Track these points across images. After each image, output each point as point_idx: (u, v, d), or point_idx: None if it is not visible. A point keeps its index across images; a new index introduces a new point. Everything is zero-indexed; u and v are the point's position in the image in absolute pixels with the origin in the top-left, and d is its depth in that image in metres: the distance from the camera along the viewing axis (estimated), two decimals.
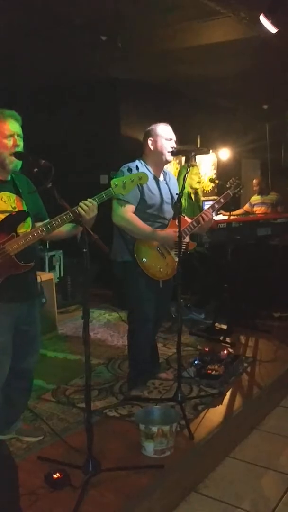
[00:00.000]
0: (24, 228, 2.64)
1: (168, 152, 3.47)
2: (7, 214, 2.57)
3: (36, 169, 2.43)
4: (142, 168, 3.48)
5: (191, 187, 5.39)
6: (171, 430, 2.81)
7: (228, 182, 3.76)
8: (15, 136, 2.59)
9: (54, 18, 4.30)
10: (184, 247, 3.36)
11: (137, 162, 3.50)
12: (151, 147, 3.50)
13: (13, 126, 2.59)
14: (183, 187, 3.32)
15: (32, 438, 2.98)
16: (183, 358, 3.39)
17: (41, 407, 3.41)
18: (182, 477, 2.79)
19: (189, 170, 3.38)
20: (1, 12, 4.07)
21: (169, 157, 3.51)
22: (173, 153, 3.49)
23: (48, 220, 2.70)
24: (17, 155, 2.57)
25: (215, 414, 3.33)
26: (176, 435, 2.89)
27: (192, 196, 5.42)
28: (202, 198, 5.85)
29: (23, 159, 2.56)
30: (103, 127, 6.63)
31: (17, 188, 2.70)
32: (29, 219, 2.69)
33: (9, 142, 2.57)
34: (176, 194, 3.36)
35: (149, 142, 3.50)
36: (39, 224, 2.70)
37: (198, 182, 5.50)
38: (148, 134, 3.52)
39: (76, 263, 6.23)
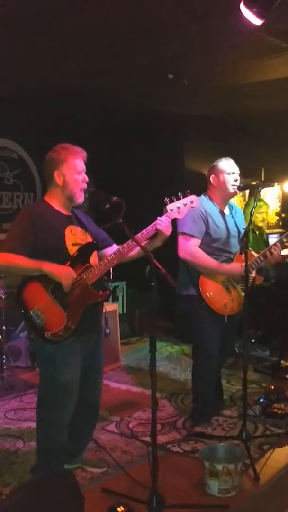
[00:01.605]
0: (92, 259, 2.73)
1: (233, 185, 3.49)
2: (78, 247, 2.67)
3: (108, 205, 2.53)
4: (208, 202, 3.53)
5: (255, 224, 5.37)
6: (236, 469, 2.75)
7: None
8: (83, 173, 2.71)
9: (123, 58, 4.49)
10: (251, 282, 3.33)
11: (202, 197, 3.55)
12: (214, 184, 3.54)
13: (82, 163, 2.72)
14: (250, 222, 3.32)
15: (96, 469, 3.01)
16: (248, 395, 3.32)
17: (105, 438, 3.44)
18: None
19: (255, 205, 3.38)
20: (71, 54, 4.32)
21: (233, 190, 3.52)
22: (239, 188, 3.51)
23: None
24: (90, 192, 2.68)
25: (282, 455, 3.22)
26: (241, 475, 2.82)
27: (256, 231, 5.39)
28: (267, 231, 5.78)
29: (96, 196, 2.66)
30: (168, 161, 6.76)
31: (80, 221, 2.81)
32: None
33: (80, 178, 2.69)
34: (243, 228, 3.36)
35: (212, 179, 3.55)
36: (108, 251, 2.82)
37: (262, 221, 5.48)
38: (211, 171, 3.57)
39: (140, 296, 6.27)
